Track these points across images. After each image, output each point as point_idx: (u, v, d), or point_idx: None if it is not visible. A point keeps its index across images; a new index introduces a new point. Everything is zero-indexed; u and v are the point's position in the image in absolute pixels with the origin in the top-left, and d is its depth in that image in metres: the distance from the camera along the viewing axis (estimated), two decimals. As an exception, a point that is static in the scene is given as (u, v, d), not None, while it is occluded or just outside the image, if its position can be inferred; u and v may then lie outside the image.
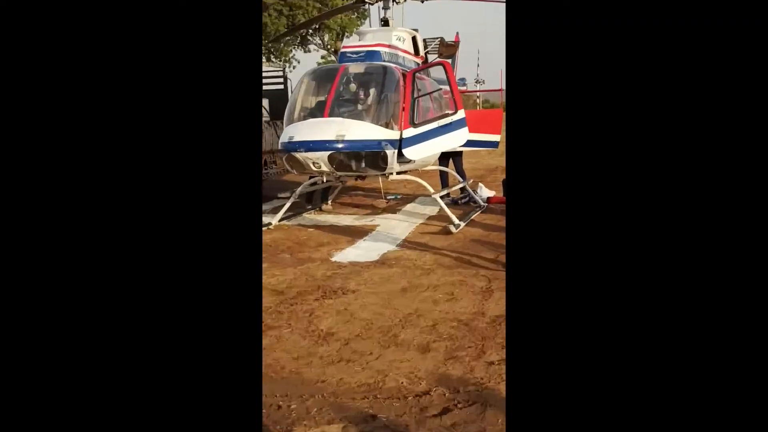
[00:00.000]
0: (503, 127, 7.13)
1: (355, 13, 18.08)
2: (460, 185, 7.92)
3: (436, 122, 6.30)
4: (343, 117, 6.13)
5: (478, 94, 15.89)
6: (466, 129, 6.32)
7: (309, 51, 20.25)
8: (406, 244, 5.81)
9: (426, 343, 3.24)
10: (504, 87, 9.31)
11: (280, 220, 6.73)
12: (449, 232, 6.14)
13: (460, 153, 7.84)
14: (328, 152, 5.90)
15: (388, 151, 6.10)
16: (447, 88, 6.66)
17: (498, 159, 11.53)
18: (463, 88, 10.81)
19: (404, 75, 6.55)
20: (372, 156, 6.07)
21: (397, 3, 7.61)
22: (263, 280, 4.26)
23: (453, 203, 7.80)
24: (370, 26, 9.44)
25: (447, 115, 6.33)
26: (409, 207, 7.95)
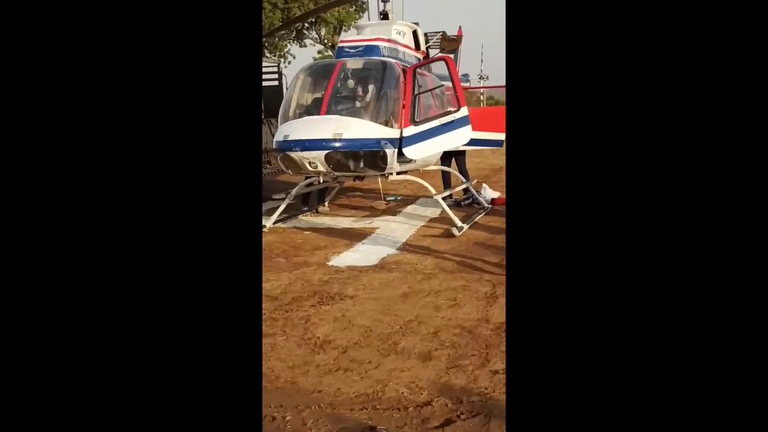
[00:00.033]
0: (508, 125, 7.01)
1: (353, 6, 17.93)
2: (463, 186, 7.82)
3: (438, 120, 6.19)
4: (340, 114, 6.07)
5: (481, 90, 15.77)
6: (469, 127, 6.20)
7: (305, 46, 20.16)
8: (407, 247, 5.71)
9: (427, 351, 3.17)
10: (507, 84, 9.24)
11: (274, 223, 6.67)
12: (452, 235, 6.02)
13: (463, 152, 7.75)
14: (325, 151, 5.80)
15: (387, 151, 6.01)
16: (449, 84, 6.54)
17: (503, 158, 11.60)
18: (466, 85, 10.75)
19: (404, 71, 6.47)
20: (371, 155, 5.98)
21: (396, -5, 7.56)
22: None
23: (455, 205, 7.71)
24: (369, 20, 9.47)
25: (449, 113, 6.21)
26: (409, 209, 7.86)
